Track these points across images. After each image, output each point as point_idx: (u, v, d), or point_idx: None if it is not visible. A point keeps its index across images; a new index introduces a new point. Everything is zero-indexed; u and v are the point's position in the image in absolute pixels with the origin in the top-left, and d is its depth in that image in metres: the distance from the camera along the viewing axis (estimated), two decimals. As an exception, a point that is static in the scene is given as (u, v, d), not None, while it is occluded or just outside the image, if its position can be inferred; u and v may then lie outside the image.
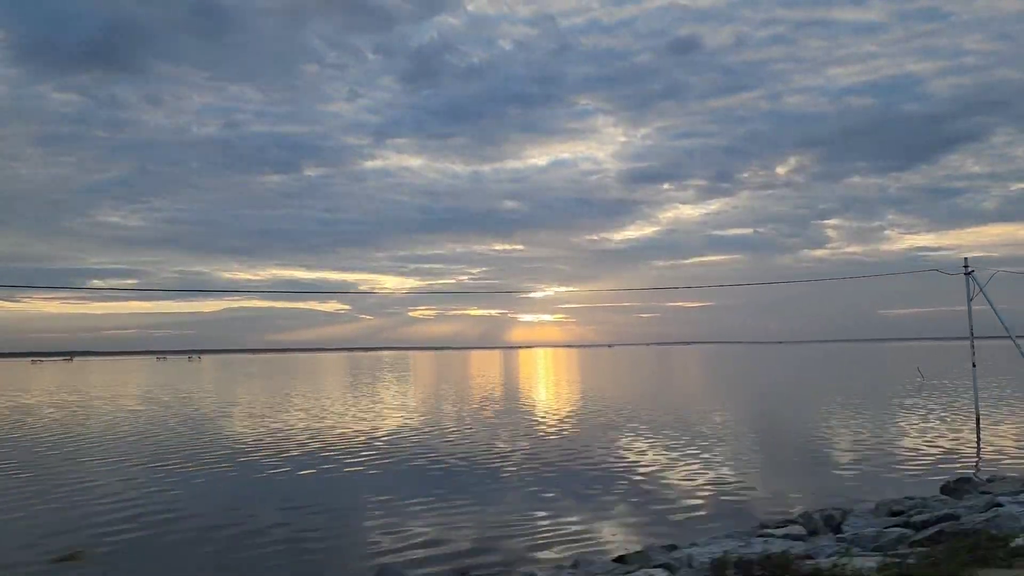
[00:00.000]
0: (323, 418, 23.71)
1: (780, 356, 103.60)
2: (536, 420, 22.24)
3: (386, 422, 22.12)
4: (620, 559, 7.22)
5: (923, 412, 22.00)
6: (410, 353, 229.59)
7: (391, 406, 28.05)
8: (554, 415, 23.77)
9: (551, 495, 11.32)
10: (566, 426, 20.51)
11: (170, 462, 15.29)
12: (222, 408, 28.51)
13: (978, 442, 15.86)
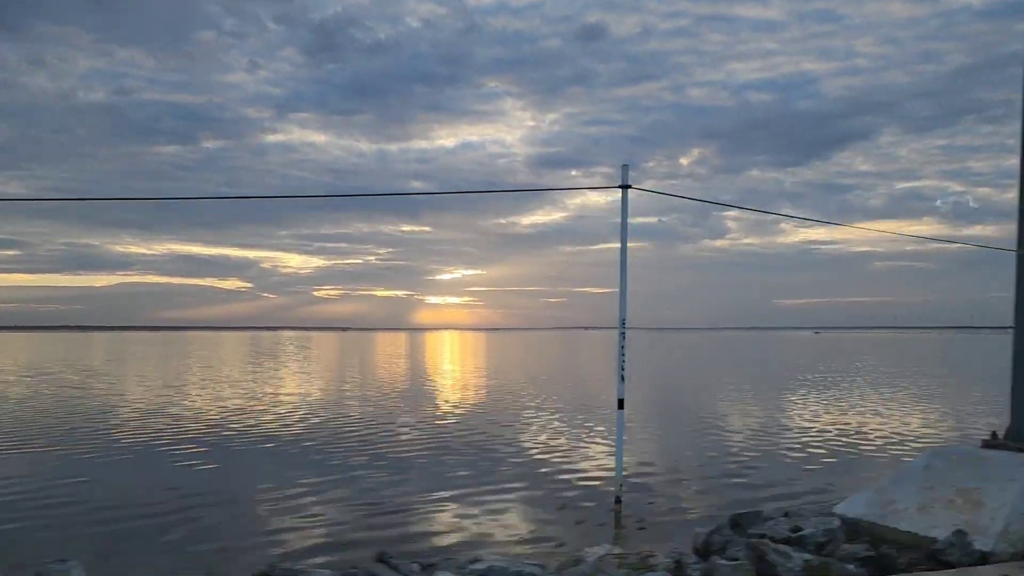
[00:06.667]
0: (215, 401, 22.68)
1: (680, 342, 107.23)
2: (438, 405, 22.13)
3: (283, 406, 21.40)
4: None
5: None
6: (312, 334, 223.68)
7: (290, 390, 27.23)
8: (456, 399, 23.73)
9: (448, 480, 11.23)
10: (467, 410, 20.51)
11: (37, 447, 14.20)
12: (104, 390, 26.84)
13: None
